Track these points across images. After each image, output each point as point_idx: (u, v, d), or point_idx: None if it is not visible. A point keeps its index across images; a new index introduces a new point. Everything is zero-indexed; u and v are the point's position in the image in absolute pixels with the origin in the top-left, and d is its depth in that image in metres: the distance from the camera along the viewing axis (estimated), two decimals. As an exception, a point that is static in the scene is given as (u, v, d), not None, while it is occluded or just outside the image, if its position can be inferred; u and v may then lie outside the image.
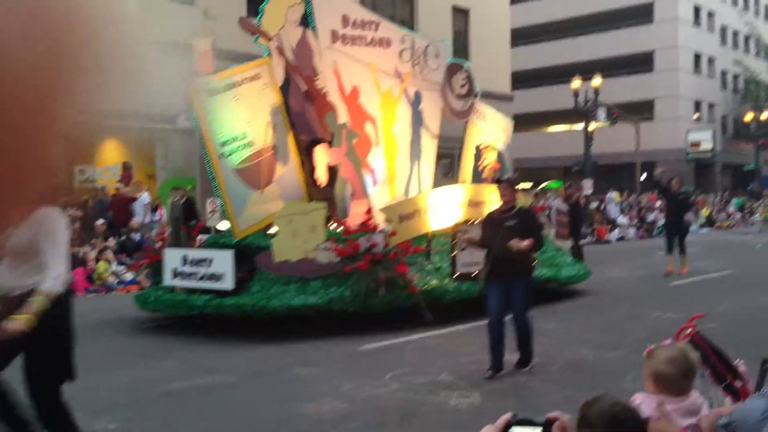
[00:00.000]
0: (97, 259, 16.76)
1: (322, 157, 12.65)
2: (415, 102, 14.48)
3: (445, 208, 12.92)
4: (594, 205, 35.12)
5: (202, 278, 11.73)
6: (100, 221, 18.76)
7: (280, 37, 12.67)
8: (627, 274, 18.08)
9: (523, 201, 14.15)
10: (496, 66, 37.65)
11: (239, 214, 12.22)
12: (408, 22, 34.99)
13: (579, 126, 41.21)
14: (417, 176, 14.54)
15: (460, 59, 16.88)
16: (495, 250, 8.79)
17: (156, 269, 12.68)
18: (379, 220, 12.13)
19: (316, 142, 12.87)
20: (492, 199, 13.44)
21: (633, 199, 39.11)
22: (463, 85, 15.10)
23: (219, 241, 12.63)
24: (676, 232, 17.88)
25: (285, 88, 12.86)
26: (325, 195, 13.32)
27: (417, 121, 14.53)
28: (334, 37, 13.25)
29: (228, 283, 11.48)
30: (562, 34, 55.68)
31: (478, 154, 15.38)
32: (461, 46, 36.92)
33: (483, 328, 9.03)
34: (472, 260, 12.75)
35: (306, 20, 13.07)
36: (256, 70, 12.52)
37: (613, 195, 36.44)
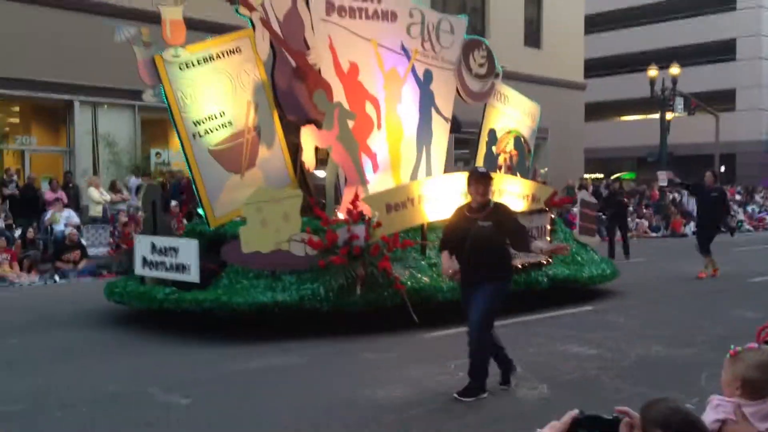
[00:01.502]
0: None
1: (308, 139, 11.13)
2: (425, 81, 12.87)
3: (445, 198, 11.28)
4: (670, 197, 33.05)
5: (169, 269, 10.39)
6: (174, 203, 18.42)
7: (265, 8, 11.18)
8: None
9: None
10: (568, 54, 35.84)
11: (214, 200, 10.82)
12: (479, 9, 33.34)
13: (654, 116, 38.58)
14: (426, 162, 12.92)
15: (478, 36, 14.98)
16: (465, 255, 7.13)
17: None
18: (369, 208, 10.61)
19: (307, 123, 11.35)
20: (502, 189, 11.80)
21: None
22: (482, 65, 13.39)
23: (196, 228, 11.25)
24: (706, 233, 15.82)
25: (270, 64, 11.36)
26: (315, 180, 11.85)
27: (426, 102, 12.91)
28: (330, 8, 11.78)
29: (193, 276, 10.11)
30: (639, 21, 52.44)
31: (493, 139, 13.62)
32: (533, 33, 35.06)
33: (553, 320, 9.50)
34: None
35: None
36: (236, 43, 11.06)
37: (692, 188, 33.96)
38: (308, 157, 11.20)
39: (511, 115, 14.06)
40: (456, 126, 22.72)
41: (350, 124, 11.68)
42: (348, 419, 6.51)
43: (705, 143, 43.43)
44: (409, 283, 10.36)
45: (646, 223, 30.09)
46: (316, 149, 11.40)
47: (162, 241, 10.54)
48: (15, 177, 19.36)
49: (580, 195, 13.97)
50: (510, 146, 13.96)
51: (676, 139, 36.78)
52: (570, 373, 8.01)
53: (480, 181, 7.10)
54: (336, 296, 9.91)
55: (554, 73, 34.75)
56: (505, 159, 13.60)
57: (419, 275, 10.64)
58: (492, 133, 13.59)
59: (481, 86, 13.43)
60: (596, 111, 47.26)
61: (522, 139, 14.01)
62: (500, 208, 7.26)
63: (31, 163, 21.54)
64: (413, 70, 12.71)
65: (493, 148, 13.58)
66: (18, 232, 17.45)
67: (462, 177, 11.74)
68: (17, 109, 22.36)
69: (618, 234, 19.80)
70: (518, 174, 13.46)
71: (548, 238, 12.22)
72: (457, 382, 7.29)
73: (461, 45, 13.27)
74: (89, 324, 10.91)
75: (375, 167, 12.18)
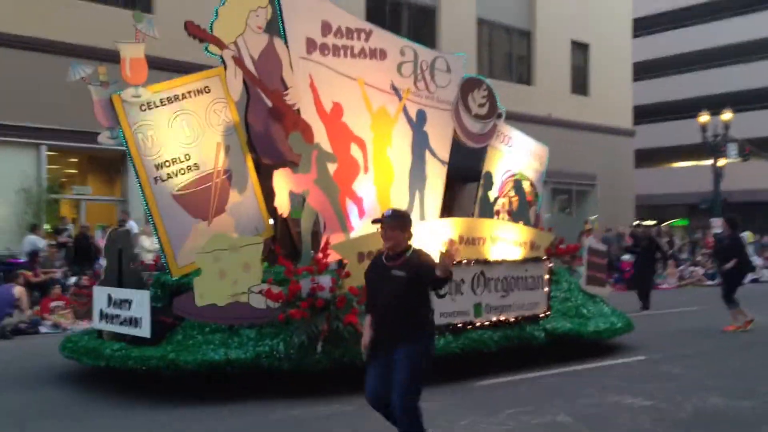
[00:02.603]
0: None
1: (282, 183, 10.10)
2: (418, 122, 11.81)
3: (427, 245, 10.09)
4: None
5: (122, 322, 9.41)
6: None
7: (238, 45, 10.28)
8: (761, 319, 14.86)
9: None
10: (616, 100, 34.86)
11: (178, 248, 9.84)
12: (526, 58, 32.40)
13: (707, 162, 36.77)
14: (419, 207, 11.78)
15: (478, 75, 13.81)
16: (378, 312, 5.98)
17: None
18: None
19: (283, 166, 10.35)
20: (495, 236, 10.60)
21: (768, 240, 34.32)
22: (482, 105, 12.26)
23: (161, 278, 10.26)
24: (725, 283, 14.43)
25: (244, 105, 10.42)
26: (297, 228, 10.78)
27: (420, 144, 11.83)
28: (311, 46, 10.83)
29: (143, 330, 9.09)
30: (689, 68, 50.43)
31: (489, 183, 12.40)
32: (581, 80, 33.94)
33: (604, 370, 9.35)
34: (454, 308, 9.95)
35: (274, 27, 10.68)
36: (204, 83, 10.15)
37: (746, 235, 32.07)
38: (281, 202, 10.14)
39: (516, 157, 12.85)
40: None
41: (332, 167, 10.64)
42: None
43: (761, 189, 41.36)
44: (381, 339, 9.18)
45: (702, 271, 28.54)
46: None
47: (118, 293, 9.57)
48: (70, 226, 19.38)
49: (587, 242, 12.62)
50: (511, 190, 12.75)
51: (729, 185, 34.84)
52: (623, 426, 7.56)
53: (388, 224, 5.96)
54: (297, 353, 8.78)
55: (602, 119, 33.60)
56: (503, 204, 12.38)
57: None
58: (488, 176, 12.39)
59: (482, 127, 12.29)
60: (647, 157, 45.45)
61: (523, 182, 12.76)
62: (418, 255, 6.00)
63: (87, 212, 21.39)
64: (405, 111, 11.68)
65: (489, 193, 12.36)
66: (72, 280, 17.19)
67: (443, 224, 10.69)
68: (75, 160, 22.36)
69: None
70: (518, 220, 12.20)
71: (546, 289, 10.95)
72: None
73: (459, 84, 12.17)
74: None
75: (361, 213, 11.09)
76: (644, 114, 43.81)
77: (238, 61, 10.25)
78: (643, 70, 44.76)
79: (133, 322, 9.23)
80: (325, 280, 9.01)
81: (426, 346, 5.92)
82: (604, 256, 12.76)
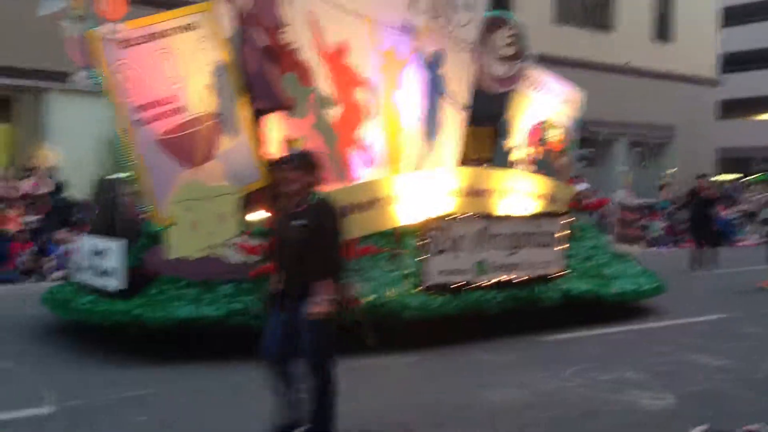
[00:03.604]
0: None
1: (275, 128, 9.17)
2: (433, 64, 10.62)
3: (426, 198, 9.08)
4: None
5: (100, 273, 8.72)
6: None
7: (229, -23, 9.30)
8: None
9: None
10: (700, 48, 32.57)
11: (163, 197, 9.02)
12: (605, 2, 30.42)
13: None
14: (434, 156, 10.69)
15: (504, 12, 12.37)
16: (279, 265, 5.15)
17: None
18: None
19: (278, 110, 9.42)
20: (508, 188, 9.48)
21: None
22: (508, 45, 11.01)
23: (150, 228, 9.50)
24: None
25: (235, 43, 9.44)
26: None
27: (435, 88, 10.65)
28: (312, -22, 9.73)
29: (114, 282, 8.38)
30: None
31: (504, 131, 11.16)
32: (662, 26, 31.84)
33: (678, 328, 9.24)
34: (454, 266, 8.91)
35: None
36: (190, 19, 9.18)
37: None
38: (274, 149, 9.23)
39: (546, 103, 11.57)
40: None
41: (332, 112, 9.64)
42: (464, 421, 6.09)
43: None
44: (368, 297, 8.26)
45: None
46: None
47: (97, 243, 8.88)
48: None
49: (616, 196, 11.30)
50: (556, 137, 11.50)
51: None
52: (698, 385, 7.32)
53: (289, 165, 5.21)
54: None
55: (684, 68, 31.52)
56: (527, 154, 11.15)
57: (384, 288, 8.52)
58: (503, 123, 11.15)
59: (507, 69, 11.05)
60: (734, 108, 42.63)
61: (554, 130, 11.47)
62: (323, 204, 5.14)
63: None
64: (418, 51, 10.51)
65: (505, 142, 11.15)
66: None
67: (445, 174, 9.60)
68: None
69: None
70: (542, 172, 10.98)
71: (562, 247, 9.78)
72: (574, 389, 7.02)
73: (481, 23, 10.94)
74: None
75: (369, 161, 10.09)
76: (735, 62, 40.98)
77: (230, -6, 9.27)
78: (734, 16, 41.63)
79: (109, 273, 8.52)
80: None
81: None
82: (636, 211, 11.44)
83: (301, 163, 5.18)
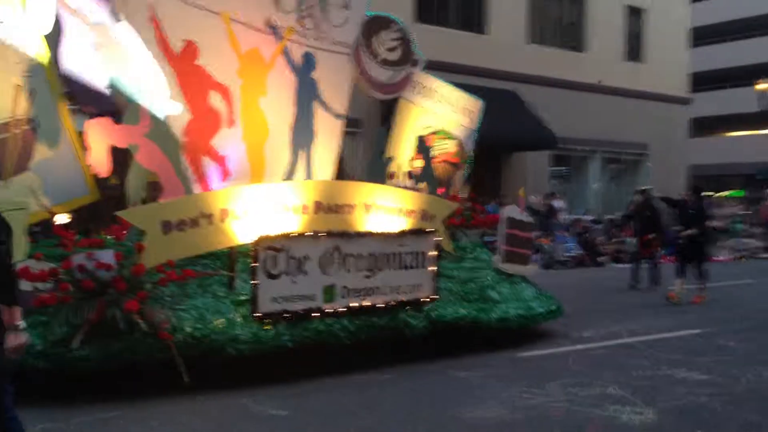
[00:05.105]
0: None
1: (97, 136, 7.78)
2: (304, 67, 9.32)
3: (268, 214, 7.65)
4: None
5: None
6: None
7: (46, -33, 7.96)
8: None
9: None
10: (671, 68, 31.96)
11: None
12: (577, 23, 29.40)
13: (765, 131, 32.80)
14: (305, 169, 9.29)
15: (389, 14, 10.83)
16: None
17: None
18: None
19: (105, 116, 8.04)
20: (373, 204, 8.05)
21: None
22: (392, 49, 9.66)
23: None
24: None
25: (54, 39, 8.07)
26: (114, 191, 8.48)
27: (307, 93, 9.39)
28: (155, -31, 8.36)
29: None
30: (749, 33, 45.73)
31: (381, 141, 9.75)
32: (634, 46, 30.88)
33: (656, 343, 9.15)
34: (293, 292, 7.46)
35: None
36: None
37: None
38: (98, 160, 7.83)
39: (438, 112, 10.17)
40: (551, 141, 19.17)
41: (181, 118, 8.26)
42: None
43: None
44: (187, 329, 6.83)
45: (757, 243, 25.98)
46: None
47: None
48: None
49: (506, 212, 9.85)
50: (446, 150, 10.12)
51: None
52: (679, 398, 7.17)
53: None
54: (55, 349, 6.50)
55: (655, 87, 30.66)
56: (412, 166, 9.76)
57: (209, 318, 7.08)
58: (381, 133, 9.81)
59: (391, 75, 9.68)
60: (705, 126, 41.41)
61: (448, 141, 10.08)
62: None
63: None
64: (286, 53, 9.16)
65: (382, 153, 9.78)
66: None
67: (294, 186, 8.19)
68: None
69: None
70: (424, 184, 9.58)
71: (431, 268, 8.32)
72: (555, 404, 6.83)
73: (361, 23, 9.56)
74: None
75: (224, 174, 8.68)
76: (703, 81, 39.79)
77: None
78: (702, 36, 40.41)
79: None
80: (106, 256, 6.69)
81: None
82: (528, 228, 9.97)
83: None
